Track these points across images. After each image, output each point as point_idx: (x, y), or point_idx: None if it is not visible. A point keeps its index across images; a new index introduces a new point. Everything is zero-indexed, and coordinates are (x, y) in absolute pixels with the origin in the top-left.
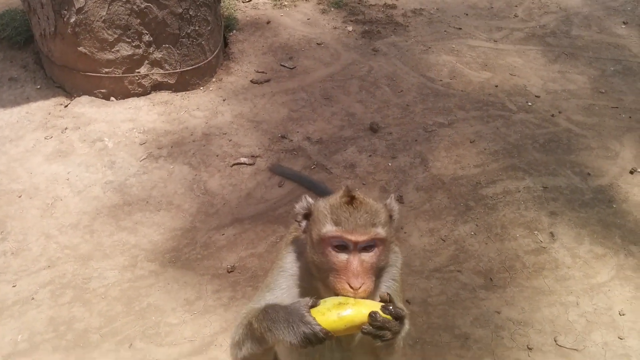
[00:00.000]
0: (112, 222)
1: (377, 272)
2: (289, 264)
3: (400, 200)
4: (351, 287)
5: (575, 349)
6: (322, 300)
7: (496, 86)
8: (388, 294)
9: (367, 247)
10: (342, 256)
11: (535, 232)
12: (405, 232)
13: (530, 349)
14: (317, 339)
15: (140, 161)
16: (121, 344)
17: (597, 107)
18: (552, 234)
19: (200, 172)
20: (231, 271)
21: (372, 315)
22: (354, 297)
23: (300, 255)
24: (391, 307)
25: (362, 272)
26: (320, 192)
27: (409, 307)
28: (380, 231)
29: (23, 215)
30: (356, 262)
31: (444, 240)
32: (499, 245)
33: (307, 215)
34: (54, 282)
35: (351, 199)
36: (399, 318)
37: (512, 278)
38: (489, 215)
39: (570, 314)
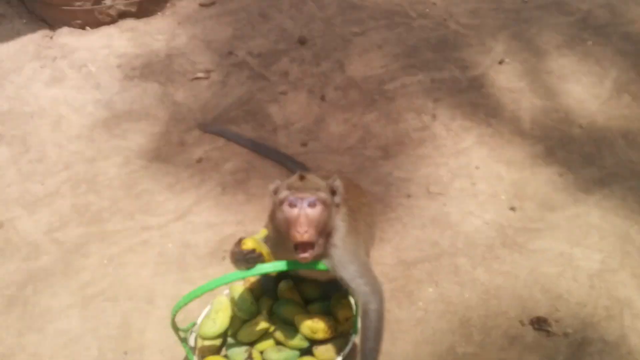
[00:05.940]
0: (106, 131)
1: (322, 229)
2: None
3: (323, 98)
4: (298, 233)
5: (441, 194)
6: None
7: None
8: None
9: (311, 203)
10: (294, 210)
11: (422, 115)
12: (326, 123)
13: (409, 196)
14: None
15: (120, 82)
16: (125, 217)
17: (481, 10)
18: (434, 115)
19: (168, 87)
20: (199, 161)
21: None
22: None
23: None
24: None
25: (307, 223)
26: (251, 145)
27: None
28: (321, 194)
29: (38, 131)
30: (302, 213)
31: (355, 126)
32: (394, 127)
33: (276, 190)
34: (71, 179)
35: (301, 177)
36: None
37: (402, 150)
38: (388, 104)
39: (440, 170)
